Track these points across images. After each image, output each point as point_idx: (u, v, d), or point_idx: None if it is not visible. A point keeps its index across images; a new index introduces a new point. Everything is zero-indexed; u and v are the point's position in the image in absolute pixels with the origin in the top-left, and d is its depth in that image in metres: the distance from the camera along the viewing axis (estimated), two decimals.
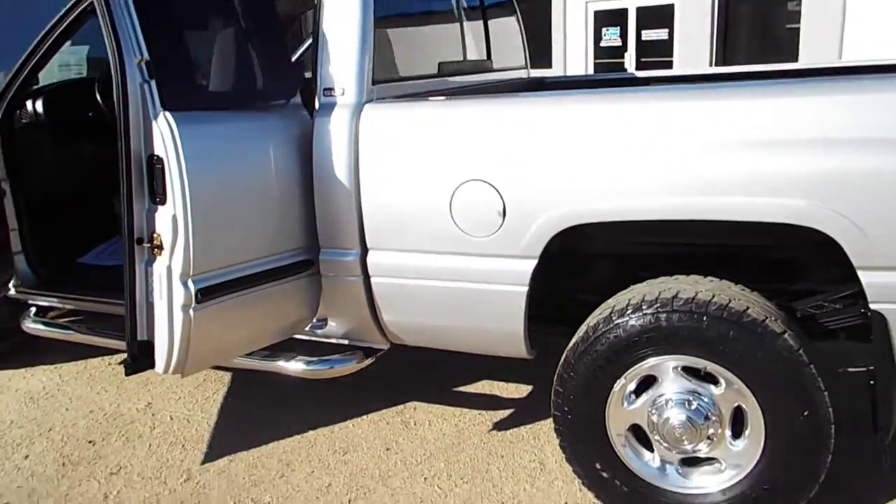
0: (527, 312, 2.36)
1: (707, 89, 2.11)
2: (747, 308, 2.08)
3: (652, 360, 2.22)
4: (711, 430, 2.22)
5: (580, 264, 2.59)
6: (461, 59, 3.31)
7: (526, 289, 2.31)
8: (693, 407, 2.21)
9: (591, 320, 2.28)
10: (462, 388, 3.41)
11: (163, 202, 2.21)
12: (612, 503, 2.40)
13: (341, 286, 2.59)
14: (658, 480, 2.32)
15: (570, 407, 2.34)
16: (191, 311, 2.25)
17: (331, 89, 2.51)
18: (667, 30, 10.41)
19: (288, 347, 2.84)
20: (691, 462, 2.32)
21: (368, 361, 2.82)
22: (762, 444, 2.17)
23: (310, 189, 2.53)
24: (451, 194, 2.32)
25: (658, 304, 2.15)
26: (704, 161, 2.04)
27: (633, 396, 2.30)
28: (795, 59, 8.80)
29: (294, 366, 2.76)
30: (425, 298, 2.48)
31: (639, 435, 2.35)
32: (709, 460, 2.30)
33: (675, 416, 2.23)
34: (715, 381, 2.20)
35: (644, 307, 2.17)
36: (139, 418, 3.23)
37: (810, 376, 2.05)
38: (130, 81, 2.16)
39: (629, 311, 2.19)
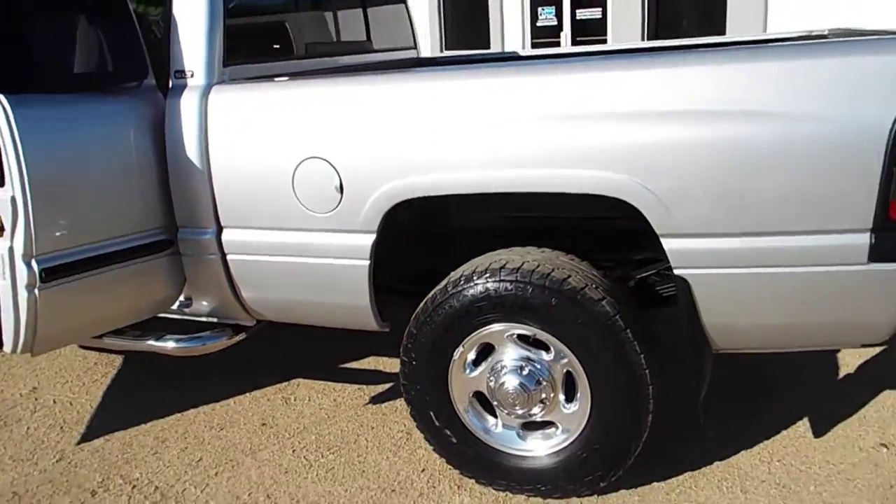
0: (371, 285, 2.43)
1: (521, 66, 2.18)
2: (568, 276, 2.18)
3: (486, 329, 2.31)
4: (544, 395, 2.33)
5: (429, 237, 2.67)
6: (333, 40, 3.35)
7: (367, 262, 2.39)
8: (525, 373, 2.32)
9: (432, 292, 2.36)
10: (347, 364, 3.49)
11: (1, 184, 2.24)
12: (461, 467, 2.51)
13: (201, 265, 2.64)
14: (499, 444, 2.43)
15: (416, 376, 2.43)
16: (35, 291, 2.28)
17: (181, 71, 2.54)
18: (600, 8, 10.52)
19: (160, 327, 2.89)
20: (532, 426, 2.43)
21: (239, 338, 2.88)
22: (589, 406, 2.28)
23: (165, 170, 2.57)
24: (293, 172, 2.38)
25: (487, 274, 2.24)
26: (519, 135, 2.12)
27: (473, 364, 2.40)
28: (724, 34, 8.95)
29: (164, 344, 2.81)
30: (277, 274, 2.55)
31: (485, 401, 2.45)
32: (547, 424, 2.41)
33: (510, 381, 2.33)
34: (546, 348, 2.31)
35: (475, 277, 2.26)
36: (21, 402, 3.26)
37: (627, 341, 2.15)
38: None
39: (462, 282, 2.27)
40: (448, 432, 2.46)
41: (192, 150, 2.50)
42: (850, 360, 3.23)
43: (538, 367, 2.32)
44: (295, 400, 3.18)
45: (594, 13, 10.71)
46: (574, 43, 10.63)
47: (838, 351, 3.29)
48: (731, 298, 2.10)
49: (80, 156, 2.39)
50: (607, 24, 10.55)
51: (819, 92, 1.90)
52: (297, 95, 2.39)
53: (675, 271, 2.10)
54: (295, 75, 2.62)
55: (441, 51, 12.10)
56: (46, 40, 2.37)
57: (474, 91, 2.19)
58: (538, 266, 2.21)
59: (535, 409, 2.35)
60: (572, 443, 2.34)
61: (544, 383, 2.32)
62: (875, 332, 2.09)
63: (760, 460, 2.58)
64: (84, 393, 3.32)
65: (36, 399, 3.28)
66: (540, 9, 11.13)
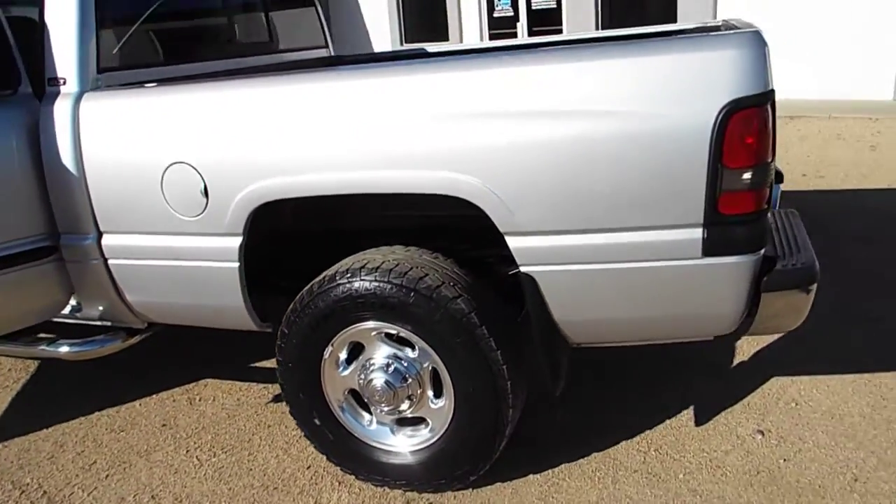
0: (244, 287, 2.46)
1: (370, 68, 2.20)
2: (425, 275, 2.22)
3: (353, 328, 2.35)
4: (410, 392, 2.37)
5: (306, 237, 2.70)
6: (229, 42, 3.37)
7: (237, 265, 2.42)
8: (392, 370, 2.36)
9: (300, 293, 2.40)
10: (257, 363, 3.52)
11: None
12: (341, 464, 2.55)
13: (86, 270, 2.66)
14: (374, 440, 2.48)
15: (291, 375, 2.47)
16: None
17: (54, 79, 2.55)
18: None
19: (56, 331, 2.91)
20: (405, 422, 2.47)
21: (134, 340, 2.90)
22: (453, 402, 2.32)
23: (42, 177, 2.58)
24: (161, 177, 2.40)
25: (349, 274, 2.27)
26: (371, 137, 2.14)
27: (346, 363, 2.44)
28: (675, 22, 9.00)
29: (57, 349, 2.83)
30: (156, 278, 2.57)
31: (361, 398, 2.50)
32: (419, 420, 2.46)
33: (377, 379, 2.37)
34: (412, 346, 2.35)
35: (338, 278, 2.29)
36: None
37: (483, 338, 2.19)
38: None
39: (326, 283, 2.31)
40: (325, 430, 2.50)
41: (67, 158, 2.51)
42: (746, 349, 3.29)
43: (405, 364, 2.37)
44: (200, 400, 3.21)
45: (549, 3, 10.75)
46: (531, 33, 10.66)
47: (734, 339, 3.36)
48: (576, 294, 2.15)
49: None
50: (562, 14, 10.59)
51: (646, 89, 1.94)
52: (161, 101, 2.41)
53: (522, 269, 2.14)
54: (165, 81, 2.64)
55: (401, 44, 12.10)
56: None
57: (328, 94, 2.21)
58: (397, 265, 2.25)
59: (404, 406, 2.40)
60: (440, 438, 2.39)
61: (410, 380, 2.36)
62: (721, 324, 2.14)
63: (638, 450, 2.64)
64: None
65: None
66: (496, 0, 11.16)
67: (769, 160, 1.97)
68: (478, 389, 2.26)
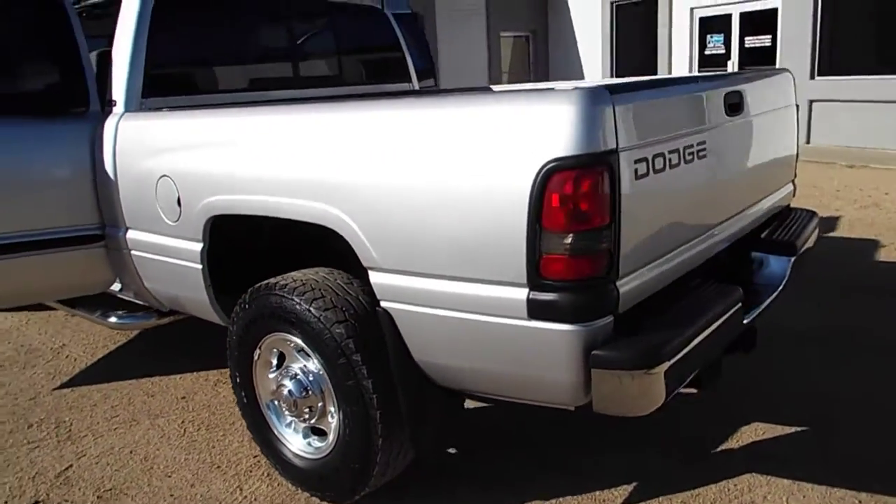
0: (209, 286, 2.83)
1: (275, 106, 2.45)
2: (322, 297, 2.39)
3: (271, 337, 2.60)
4: (311, 404, 2.56)
5: (254, 250, 2.96)
6: (289, 75, 3.80)
7: (201, 266, 2.80)
8: (298, 379, 2.57)
9: (238, 301, 2.70)
10: None
11: None
12: (268, 457, 2.80)
13: (119, 257, 3.24)
14: (289, 442, 2.69)
15: (234, 368, 2.78)
16: None
17: (111, 101, 3.16)
18: (769, 36, 9.67)
19: (115, 304, 3.56)
20: (315, 431, 2.65)
21: (165, 320, 3.44)
22: (339, 420, 2.46)
23: (100, 178, 3.21)
24: (155, 186, 2.87)
25: (268, 289, 2.53)
26: (271, 165, 2.40)
27: (276, 367, 2.69)
28: None
29: (108, 319, 3.46)
30: (156, 269, 3.06)
31: None
32: (324, 431, 2.62)
33: (285, 387, 2.60)
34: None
35: (262, 290, 2.56)
36: (44, 352, 4.14)
37: (357, 364, 2.29)
38: None
39: (255, 293, 2.58)
40: (258, 424, 2.78)
41: (108, 165, 3.10)
42: (738, 435, 2.93)
43: (310, 378, 2.56)
44: (223, 384, 3.66)
45: (763, 41, 9.94)
46: None
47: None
48: (426, 336, 2.18)
49: (23, 164, 3.10)
50: (776, 53, 9.73)
51: (475, 141, 1.95)
52: (158, 124, 2.89)
53: (381, 304, 2.23)
54: (178, 108, 3.12)
55: (612, 76, 11.98)
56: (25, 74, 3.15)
57: (246, 126, 2.52)
58: (302, 285, 2.45)
59: (306, 416, 2.59)
60: (332, 451, 2.53)
61: (310, 393, 2.54)
62: (562, 393, 2.03)
63: None
64: (86, 355, 4.13)
65: (57, 352, 4.16)
66: (709, 37, 10.58)
67: (599, 226, 1.85)
68: (354, 413, 2.38)
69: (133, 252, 3.15)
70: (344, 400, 2.40)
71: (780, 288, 2.75)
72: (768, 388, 3.34)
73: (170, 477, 2.87)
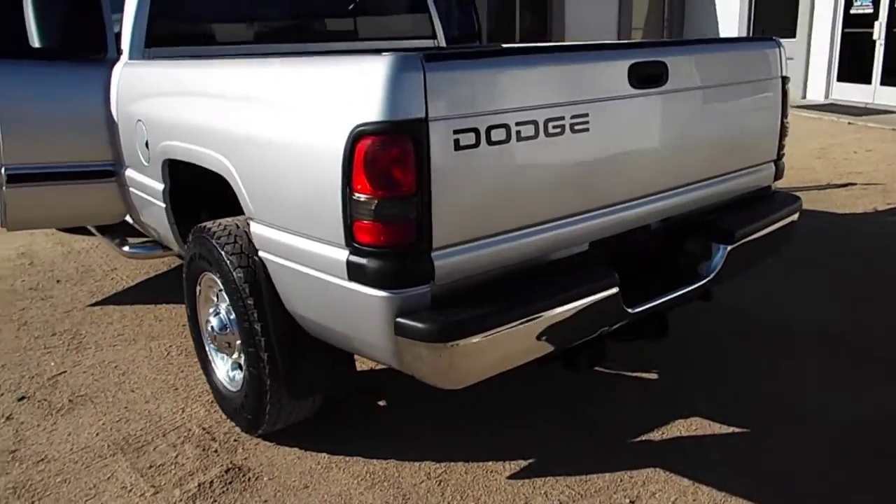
0: (171, 221, 3.08)
1: (197, 61, 2.59)
2: (234, 241, 2.52)
3: (202, 276, 2.83)
4: (228, 340, 2.76)
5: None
6: (296, 29, 3.94)
7: (164, 205, 3.06)
8: (220, 317, 2.77)
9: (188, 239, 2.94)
10: None
11: None
12: (209, 384, 3.05)
13: (124, 192, 3.59)
14: (220, 372, 2.93)
15: (187, 304, 3.04)
16: (4, 188, 3.49)
17: (120, 50, 3.48)
18: None
19: (133, 235, 3.96)
20: (239, 366, 2.86)
21: (170, 253, 3.78)
22: (243, 356, 2.64)
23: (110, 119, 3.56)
24: (134, 128, 3.16)
25: (197, 231, 2.73)
26: (186, 113, 2.58)
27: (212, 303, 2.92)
28: None
29: (122, 248, 3.85)
30: (142, 205, 3.38)
31: None
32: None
33: (211, 322, 2.81)
34: None
35: (195, 232, 2.76)
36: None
37: (249, 308, 2.45)
38: None
39: (191, 236, 2.80)
40: (201, 354, 3.04)
41: (113, 108, 3.43)
42: None
43: (230, 315, 2.74)
44: None
45: None
46: (888, 34, 8.77)
47: None
48: (286, 288, 2.29)
49: (43, 104, 3.50)
50: None
51: (306, 102, 2.02)
52: (140, 73, 3.15)
53: (258, 253, 2.35)
54: (161, 59, 3.35)
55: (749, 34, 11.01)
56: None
57: (184, 77, 2.71)
58: (219, 229, 2.61)
59: (226, 351, 2.80)
60: (241, 386, 2.73)
61: (228, 331, 2.74)
62: (382, 354, 2.06)
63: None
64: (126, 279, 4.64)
65: (107, 274, 4.70)
66: None
67: (404, 194, 1.84)
68: (250, 354, 2.55)
69: (130, 188, 3.49)
70: (243, 341, 2.58)
71: (708, 278, 2.55)
72: (732, 388, 3.12)
73: (133, 392, 3.22)
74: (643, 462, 2.63)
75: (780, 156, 2.97)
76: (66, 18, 3.57)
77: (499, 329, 1.92)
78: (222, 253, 2.53)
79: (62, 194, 3.63)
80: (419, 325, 1.88)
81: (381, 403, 3.07)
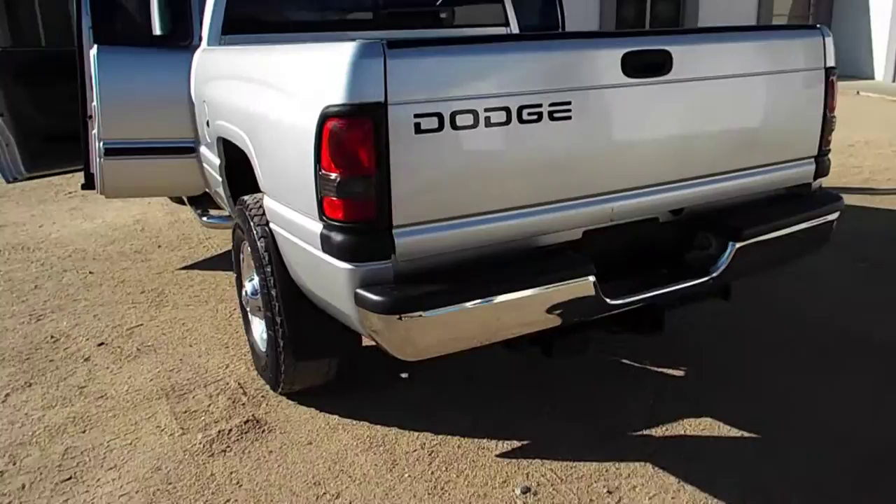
0: (227, 194, 3.39)
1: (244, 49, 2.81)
2: (262, 213, 2.76)
3: (243, 244, 3.08)
4: (259, 304, 2.99)
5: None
6: (369, 16, 4.11)
7: (221, 179, 3.36)
8: (253, 282, 3.02)
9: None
10: None
11: (91, 98, 3.94)
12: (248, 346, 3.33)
13: (201, 167, 3.96)
14: (254, 334, 3.19)
15: (235, 270, 3.33)
16: (101, 159, 3.95)
17: (201, 37, 3.82)
18: None
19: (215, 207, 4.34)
20: None
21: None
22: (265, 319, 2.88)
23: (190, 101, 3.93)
24: (203, 108, 3.48)
25: (238, 203, 2.99)
26: (227, 95, 2.85)
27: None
28: None
29: (202, 218, 4.24)
30: (210, 179, 3.71)
31: None
32: None
33: (245, 287, 3.07)
34: None
35: (238, 205, 3.02)
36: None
37: (269, 274, 2.67)
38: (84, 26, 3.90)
39: (235, 208, 3.07)
40: (244, 315, 3.32)
41: (192, 90, 3.79)
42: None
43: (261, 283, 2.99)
44: None
45: None
46: None
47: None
48: (288, 258, 2.47)
49: (144, 84, 3.91)
50: None
51: (290, 85, 2.19)
52: (207, 58, 3.45)
53: (269, 224, 2.55)
54: (230, 45, 3.63)
55: None
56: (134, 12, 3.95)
57: (227, 62, 2.95)
58: (252, 203, 2.85)
59: (257, 313, 3.05)
60: (266, 346, 2.96)
61: (256, 295, 2.98)
62: (352, 322, 2.19)
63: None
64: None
65: (201, 242, 5.17)
66: None
67: (364, 174, 1.95)
68: (268, 318, 2.78)
69: (203, 164, 3.85)
70: (263, 304, 2.82)
71: (712, 276, 2.47)
72: (758, 394, 2.99)
73: (191, 346, 3.57)
74: (635, 456, 2.60)
75: (822, 152, 2.80)
76: (159, 9, 3.98)
77: (449, 307, 2.00)
78: (251, 223, 2.77)
79: (150, 167, 4.06)
80: (373, 297, 2.00)
81: (404, 375, 3.22)
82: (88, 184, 4.31)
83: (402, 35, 4.23)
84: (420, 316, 1.98)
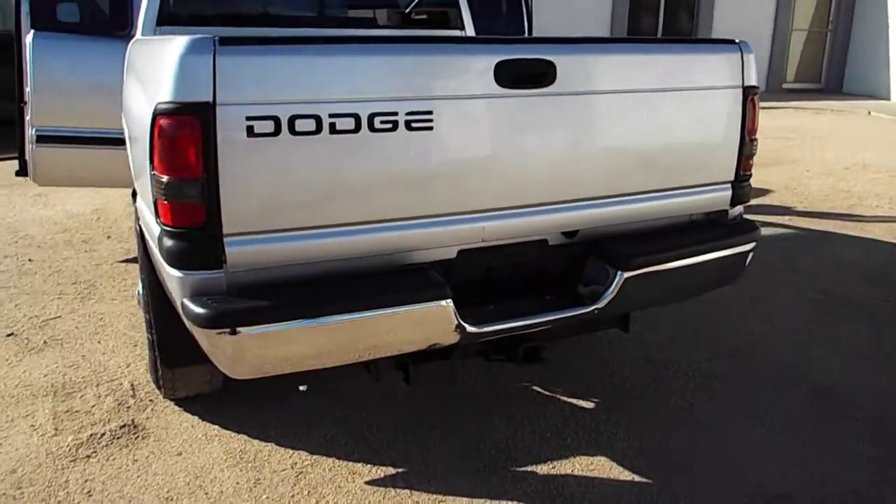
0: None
1: None
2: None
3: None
4: None
5: None
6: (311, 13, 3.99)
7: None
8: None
9: None
10: None
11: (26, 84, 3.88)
12: None
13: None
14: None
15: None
16: (33, 146, 3.88)
17: (138, 28, 3.74)
18: None
19: None
20: None
21: None
22: None
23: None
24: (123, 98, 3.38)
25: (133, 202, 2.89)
26: (126, 88, 2.74)
27: None
28: None
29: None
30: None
31: None
32: None
33: (138, 287, 2.96)
34: None
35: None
36: None
37: (147, 282, 2.57)
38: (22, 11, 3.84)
39: None
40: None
41: (123, 77, 3.70)
42: None
43: None
44: None
45: None
46: None
47: None
48: (154, 262, 2.36)
49: (79, 72, 3.84)
50: None
51: (145, 77, 2.05)
52: (134, 49, 3.35)
53: (139, 222, 2.44)
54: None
55: None
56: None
57: (128, 53, 2.84)
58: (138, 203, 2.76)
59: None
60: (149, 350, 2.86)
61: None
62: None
63: None
64: None
65: None
66: None
67: (189, 177, 1.82)
68: (146, 322, 2.68)
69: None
70: (144, 307, 2.72)
71: (594, 306, 2.29)
72: (667, 434, 2.80)
73: (99, 343, 3.47)
74: (514, 494, 2.44)
75: (741, 177, 2.60)
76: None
77: (272, 325, 1.86)
78: (137, 223, 2.67)
79: (83, 157, 3.98)
80: (194, 308, 1.87)
81: (302, 388, 3.07)
82: (22, 170, 4.24)
83: (340, 34, 4.11)
84: (239, 332, 1.84)
